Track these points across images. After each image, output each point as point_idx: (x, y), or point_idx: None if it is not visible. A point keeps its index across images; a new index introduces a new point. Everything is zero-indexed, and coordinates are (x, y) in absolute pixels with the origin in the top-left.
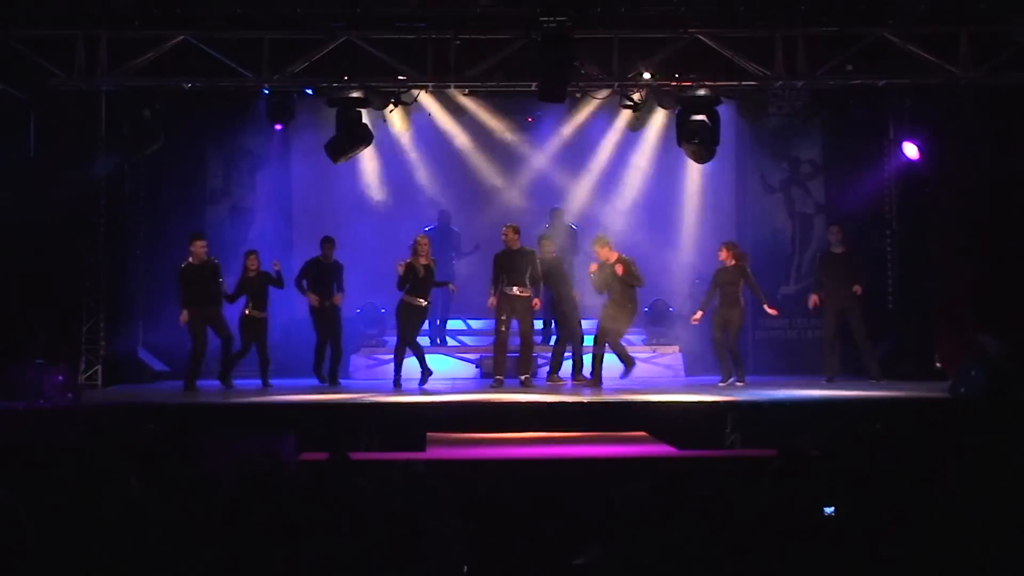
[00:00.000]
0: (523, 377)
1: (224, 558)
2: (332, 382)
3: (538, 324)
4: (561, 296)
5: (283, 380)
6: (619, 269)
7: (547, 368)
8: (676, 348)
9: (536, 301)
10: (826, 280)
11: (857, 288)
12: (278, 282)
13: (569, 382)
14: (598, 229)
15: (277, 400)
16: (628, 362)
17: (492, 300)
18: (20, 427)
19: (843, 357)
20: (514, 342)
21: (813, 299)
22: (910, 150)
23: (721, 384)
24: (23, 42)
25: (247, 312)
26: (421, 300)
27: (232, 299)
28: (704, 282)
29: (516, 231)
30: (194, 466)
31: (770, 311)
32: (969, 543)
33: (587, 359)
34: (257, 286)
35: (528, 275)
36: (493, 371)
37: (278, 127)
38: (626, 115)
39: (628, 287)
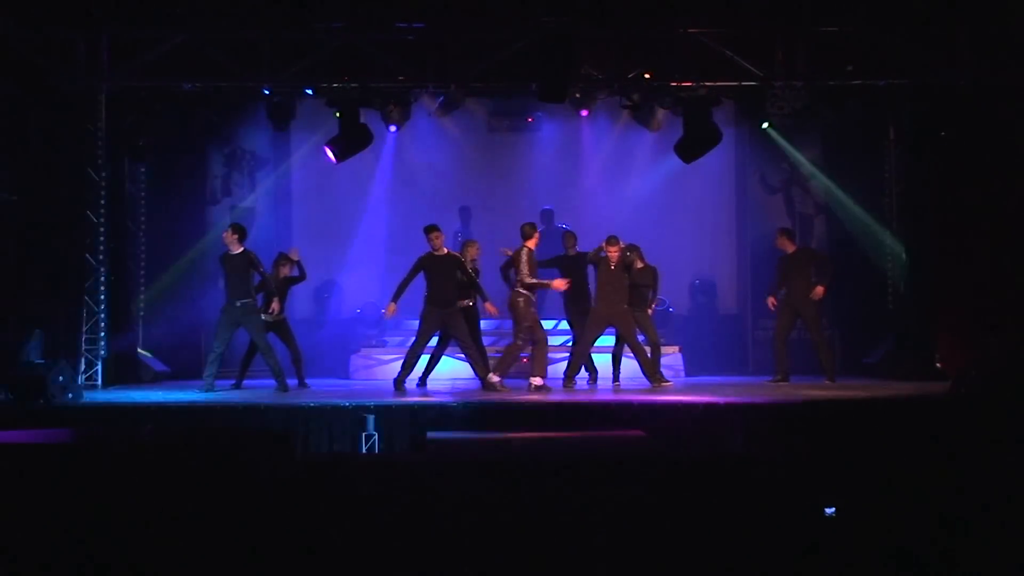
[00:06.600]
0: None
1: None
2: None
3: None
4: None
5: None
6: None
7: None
8: (676, 348)
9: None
10: (781, 281)
11: (818, 291)
12: (298, 277)
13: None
14: (597, 230)
15: (277, 401)
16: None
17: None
18: (21, 427)
19: (843, 357)
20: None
21: (771, 300)
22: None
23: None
24: (23, 42)
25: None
26: (467, 301)
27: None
28: (704, 283)
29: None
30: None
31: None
32: (968, 542)
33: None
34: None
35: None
36: (500, 371)
37: (280, 129)
38: (626, 115)
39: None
